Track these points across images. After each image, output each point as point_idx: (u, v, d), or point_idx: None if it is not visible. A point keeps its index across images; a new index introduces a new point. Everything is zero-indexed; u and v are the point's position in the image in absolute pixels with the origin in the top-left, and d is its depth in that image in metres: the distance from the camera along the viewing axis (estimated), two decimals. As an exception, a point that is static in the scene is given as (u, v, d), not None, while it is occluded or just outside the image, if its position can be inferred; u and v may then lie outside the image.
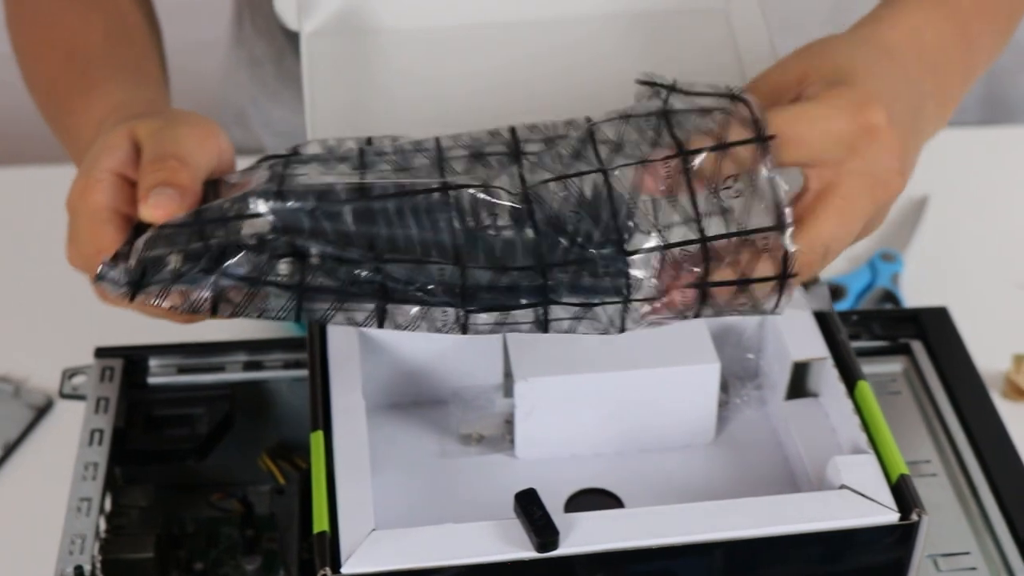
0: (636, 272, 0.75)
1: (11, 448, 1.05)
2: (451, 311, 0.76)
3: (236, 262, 0.76)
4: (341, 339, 0.86)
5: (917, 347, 0.98)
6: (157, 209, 0.77)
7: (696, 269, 0.76)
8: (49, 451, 1.05)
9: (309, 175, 0.78)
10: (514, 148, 0.80)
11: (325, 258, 0.76)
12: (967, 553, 0.88)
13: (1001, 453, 0.91)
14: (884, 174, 0.79)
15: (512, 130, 0.82)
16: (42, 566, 0.86)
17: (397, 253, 0.76)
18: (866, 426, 0.83)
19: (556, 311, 0.77)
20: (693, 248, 0.75)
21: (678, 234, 0.75)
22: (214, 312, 0.76)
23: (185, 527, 0.91)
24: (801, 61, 0.82)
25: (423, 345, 0.88)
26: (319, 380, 0.85)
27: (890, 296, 1.15)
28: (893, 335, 0.99)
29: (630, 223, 0.76)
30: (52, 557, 0.84)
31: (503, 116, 0.83)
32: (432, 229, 0.76)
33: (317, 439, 0.81)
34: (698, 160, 0.76)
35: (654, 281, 0.75)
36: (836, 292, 1.15)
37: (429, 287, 0.76)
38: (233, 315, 0.77)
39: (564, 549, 0.76)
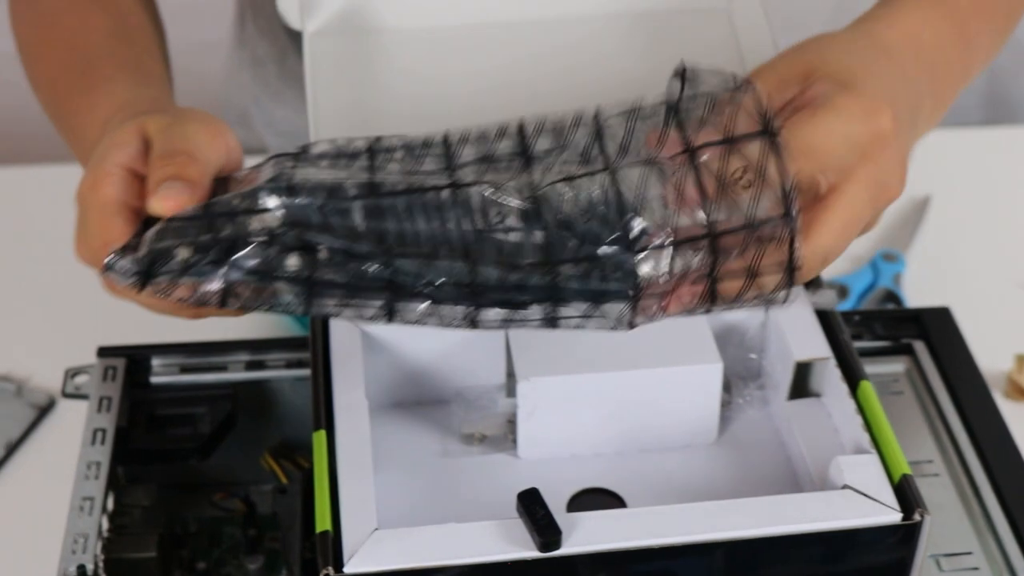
0: (645, 270, 0.75)
1: (13, 447, 1.05)
2: (460, 307, 0.76)
3: (246, 255, 0.75)
4: (343, 338, 0.86)
5: (919, 347, 0.98)
6: (167, 200, 0.77)
7: (705, 264, 0.76)
8: (51, 450, 1.05)
9: (318, 172, 0.79)
10: (523, 147, 0.80)
11: (335, 253, 0.76)
12: (969, 553, 0.88)
13: (1003, 453, 0.91)
14: (889, 179, 0.79)
15: (520, 125, 0.82)
16: (44, 565, 0.86)
17: (407, 249, 0.76)
18: (868, 426, 0.83)
19: (565, 308, 0.77)
20: (702, 243, 0.75)
21: (686, 230, 0.75)
22: (222, 305, 0.76)
23: (187, 526, 0.91)
24: (804, 57, 0.82)
25: (425, 345, 0.88)
26: (321, 379, 0.85)
27: (892, 296, 1.15)
28: (895, 335, 0.99)
29: (637, 220, 0.76)
30: (55, 556, 0.84)
31: (505, 116, 0.83)
32: (441, 227, 0.76)
33: (319, 438, 0.81)
34: (705, 156, 0.76)
35: (663, 279, 0.75)
36: (838, 292, 1.15)
37: (438, 283, 0.76)
38: (241, 309, 0.77)
39: (566, 549, 0.76)
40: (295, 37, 1.22)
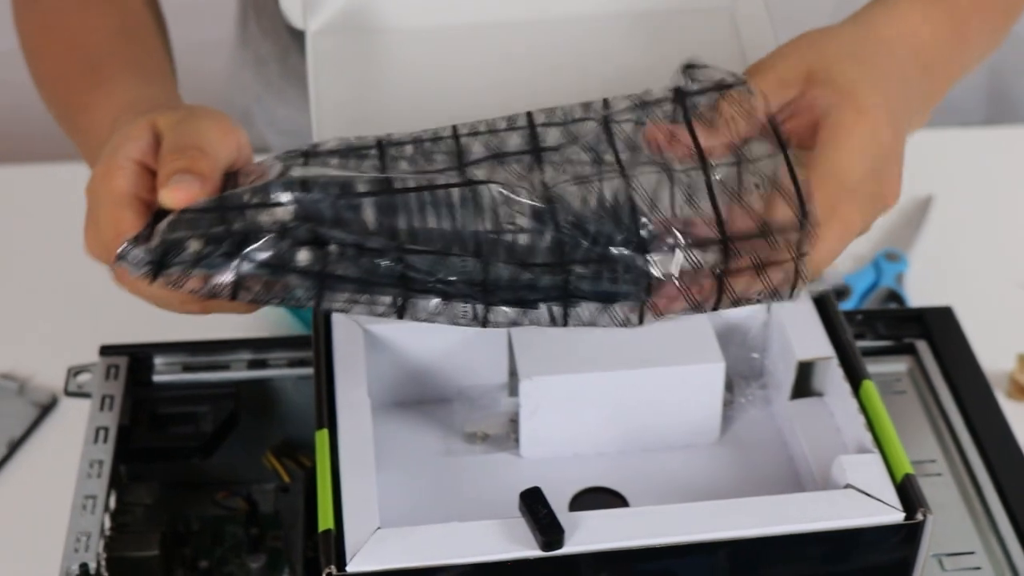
0: (656, 271, 0.76)
1: (16, 446, 1.05)
2: (470, 305, 0.76)
3: (258, 247, 0.75)
4: (346, 337, 0.86)
5: (922, 347, 0.98)
6: (178, 192, 0.76)
7: (715, 265, 0.76)
8: (54, 449, 1.05)
9: (329, 169, 0.79)
10: (532, 142, 0.80)
11: (346, 247, 0.76)
12: (972, 553, 0.88)
13: (1005, 452, 0.91)
14: (888, 191, 0.80)
15: (529, 116, 0.82)
16: (47, 564, 0.86)
17: (418, 245, 0.76)
18: (871, 425, 0.83)
19: (575, 308, 0.77)
20: (713, 245, 0.76)
21: (697, 232, 0.76)
22: (233, 298, 0.76)
23: (190, 525, 0.91)
24: (803, 58, 0.82)
25: (428, 343, 0.88)
26: (324, 378, 0.85)
27: (895, 296, 1.15)
28: (898, 335, 0.99)
29: (649, 224, 0.76)
30: (57, 555, 0.84)
31: (507, 115, 0.83)
32: (453, 225, 0.76)
33: (322, 437, 0.81)
34: (718, 169, 0.77)
35: (675, 280, 0.76)
36: (841, 292, 1.15)
37: (450, 279, 0.76)
38: (252, 302, 0.76)
39: (569, 548, 0.76)
40: (298, 36, 1.22)
